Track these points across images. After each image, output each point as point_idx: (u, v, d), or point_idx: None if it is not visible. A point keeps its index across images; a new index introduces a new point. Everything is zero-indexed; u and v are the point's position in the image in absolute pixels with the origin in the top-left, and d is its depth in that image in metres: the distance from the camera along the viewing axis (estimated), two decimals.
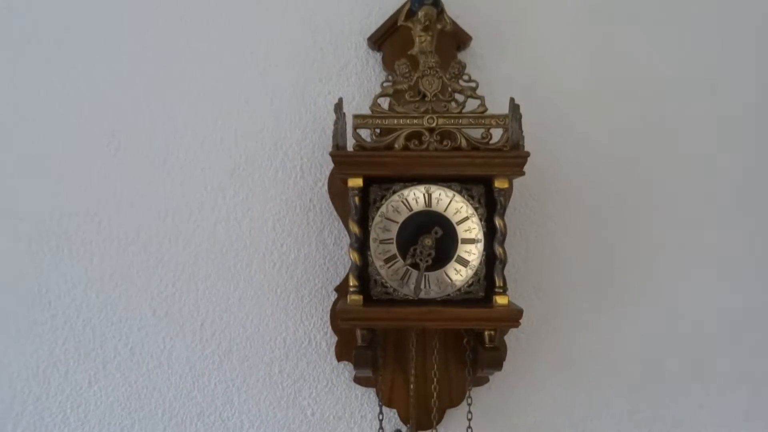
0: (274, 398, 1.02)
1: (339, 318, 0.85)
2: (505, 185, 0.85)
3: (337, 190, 0.97)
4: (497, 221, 0.85)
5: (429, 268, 0.86)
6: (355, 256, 0.85)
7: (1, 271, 1.00)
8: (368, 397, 1.03)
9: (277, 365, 1.02)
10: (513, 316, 0.84)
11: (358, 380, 1.00)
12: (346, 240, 1.01)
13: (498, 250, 0.85)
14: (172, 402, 1.01)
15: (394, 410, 1.00)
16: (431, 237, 0.85)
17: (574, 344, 1.03)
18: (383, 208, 0.87)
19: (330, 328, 1.01)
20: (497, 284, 0.85)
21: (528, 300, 1.02)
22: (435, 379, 0.94)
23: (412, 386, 0.95)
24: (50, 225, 1.01)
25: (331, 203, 1.00)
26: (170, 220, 1.02)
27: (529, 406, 1.04)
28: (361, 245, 0.86)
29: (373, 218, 0.87)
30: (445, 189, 0.87)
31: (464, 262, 0.87)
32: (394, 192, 0.87)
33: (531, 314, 1.02)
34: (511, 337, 1.01)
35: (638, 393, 1.04)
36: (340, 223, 1.01)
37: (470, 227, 0.87)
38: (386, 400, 0.99)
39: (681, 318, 1.05)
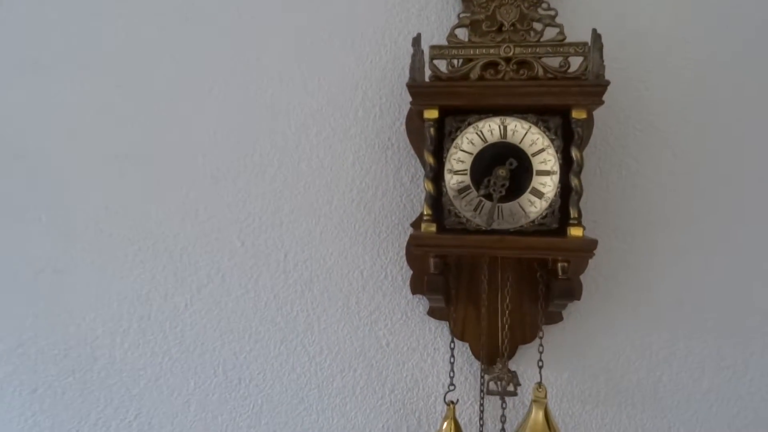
0: (351, 328, 1.04)
1: (412, 244, 0.85)
2: (583, 116, 0.81)
3: (414, 128, 0.97)
4: (574, 152, 0.81)
5: (502, 200, 0.84)
6: (429, 185, 0.84)
7: (112, 202, 1.07)
8: (441, 330, 1.03)
9: (355, 297, 1.03)
10: (587, 246, 0.81)
11: (431, 313, 1.00)
12: (423, 177, 1.00)
13: (574, 181, 0.82)
14: (257, 327, 1.06)
15: (466, 344, 0.99)
16: (505, 168, 0.83)
17: (652, 288, 0.98)
18: (458, 140, 0.85)
19: (405, 262, 1.01)
20: (572, 215, 0.82)
21: (606, 240, 0.98)
22: (507, 312, 0.92)
23: (483, 320, 0.93)
24: (152, 161, 1.06)
25: (408, 141, 1.00)
26: (257, 158, 1.05)
27: (602, 348, 1.00)
28: (435, 175, 0.85)
29: (447, 150, 0.86)
30: (521, 120, 0.84)
31: (539, 194, 0.84)
32: (469, 124, 0.85)
33: (609, 255, 0.98)
34: (588, 278, 0.98)
35: (721, 341, 0.98)
36: (417, 161, 1.00)
37: (546, 159, 0.84)
38: (458, 333, 0.98)
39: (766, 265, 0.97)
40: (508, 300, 0.92)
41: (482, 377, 0.97)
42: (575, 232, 0.81)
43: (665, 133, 0.98)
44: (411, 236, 0.85)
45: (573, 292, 0.84)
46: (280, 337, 1.05)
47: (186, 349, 1.07)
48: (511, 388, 0.91)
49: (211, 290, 1.06)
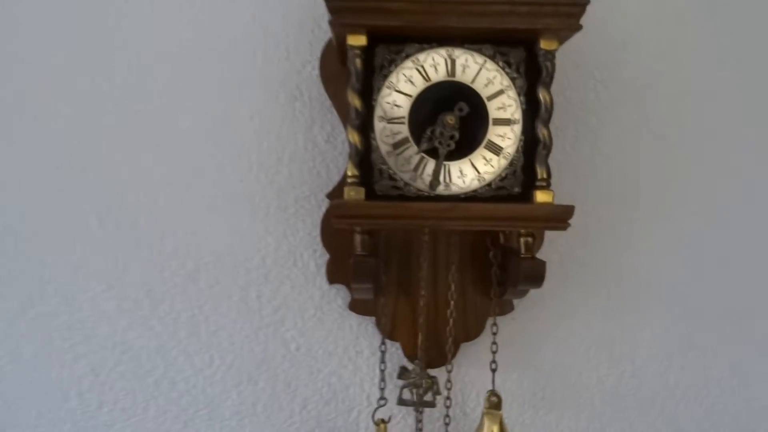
0: (250, 329, 0.80)
1: (333, 215, 0.62)
2: (554, 46, 0.62)
3: (331, 73, 0.75)
4: (542, 94, 0.63)
5: (450, 156, 0.64)
6: (354, 137, 0.62)
7: None
8: (366, 328, 0.81)
9: (255, 289, 0.80)
10: (560, 215, 0.63)
11: (354, 307, 0.78)
12: (342, 137, 0.78)
13: (542, 132, 0.63)
14: (124, 333, 0.79)
15: (397, 344, 0.79)
16: (454, 115, 0.63)
17: (618, 266, 0.82)
18: (392, 77, 0.64)
19: (321, 243, 0.78)
20: (539, 176, 0.63)
21: None
22: (452, 303, 0.72)
23: (422, 314, 0.73)
24: None
25: (323, 90, 0.77)
26: (120, 110, 0.79)
27: (558, 342, 0.83)
28: (363, 124, 0.63)
29: (379, 90, 0.64)
30: (474, 53, 0.64)
31: (496, 149, 0.65)
32: (407, 56, 0.64)
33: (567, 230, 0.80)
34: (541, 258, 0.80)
35: (692, 332, 0.83)
36: (335, 115, 0.78)
37: (505, 104, 0.64)
38: (388, 330, 0.77)
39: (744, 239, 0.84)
40: (453, 287, 0.72)
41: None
42: (544, 197, 0.63)
43: (633, 84, 0.82)
44: (331, 205, 0.62)
45: (539, 274, 0.65)
46: (156, 345, 0.79)
47: (24, 366, 0.78)
48: (429, 397, 0.72)
49: (58, 287, 0.78)
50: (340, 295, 0.80)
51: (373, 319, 0.78)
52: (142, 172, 0.79)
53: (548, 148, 0.63)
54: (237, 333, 0.80)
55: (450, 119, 0.62)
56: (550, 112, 0.63)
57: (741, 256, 0.84)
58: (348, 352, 0.82)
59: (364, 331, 0.81)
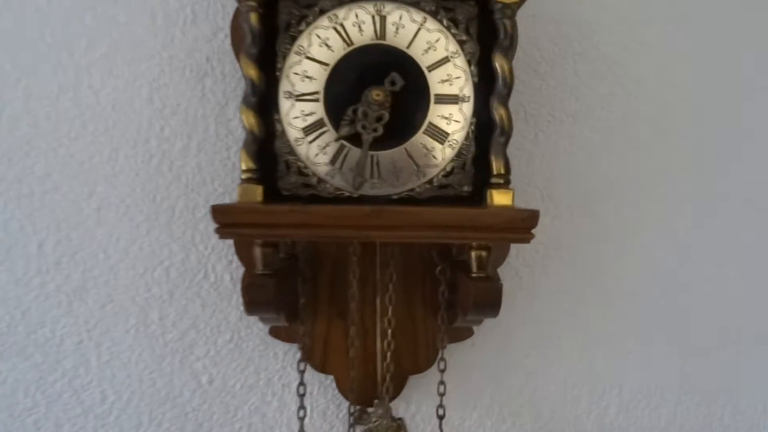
0: (151, 359, 0.65)
1: (217, 222, 0.46)
2: None
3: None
4: (499, 63, 0.47)
5: (379, 145, 0.48)
6: (250, 118, 0.46)
7: None
8: (294, 356, 0.66)
9: (157, 310, 0.64)
10: (521, 222, 0.47)
11: (276, 333, 0.62)
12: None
13: (499, 112, 0.47)
14: None
15: (331, 377, 0.63)
16: (383, 90, 0.47)
17: (603, 280, 0.67)
18: (302, 40, 0.48)
19: (236, 253, 0.63)
20: (495, 170, 0.48)
21: None
22: (390, 330, 0.56)
23: (355, 341, 0.57)
24: None
25: (237, 62, 0.61)
26: None
27: (527, 373, 0.68)
28: (263, 101, 0.47)
29: (284, 56, 0.48)
30: (410, 9, 0.48)
31: (440, 135, 0.49)
32: (322, 12, 0.48)
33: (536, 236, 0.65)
34: (506, 271, 0.65)
35: (687, 358, 0.68)
36: None
37: (451, 75, 0.49)
38: (318, 361, 0.62)
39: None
40: (390, 311, 0.56)
41: (352, 427, 0.62)
42: (501, 198, 0.47)
43: (612, 58, 0.67)
44: (213, 209, 0.46)
45: (493, 300, 0.49)
46: (34, 377, 0.64)
47: None
48: None
49: None
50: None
51: (299, 347, 0.63)
52: (14, 163, 0.63)
53: (507, 134, 0.48)
54: (135, 363, 0.65)
55: (377, 95, 0.47)
56: (509, 86, 0.47)
57: (739, 268, 0.70)
58: (272, 385, 0.66)
59: (291, 360, 0.66)
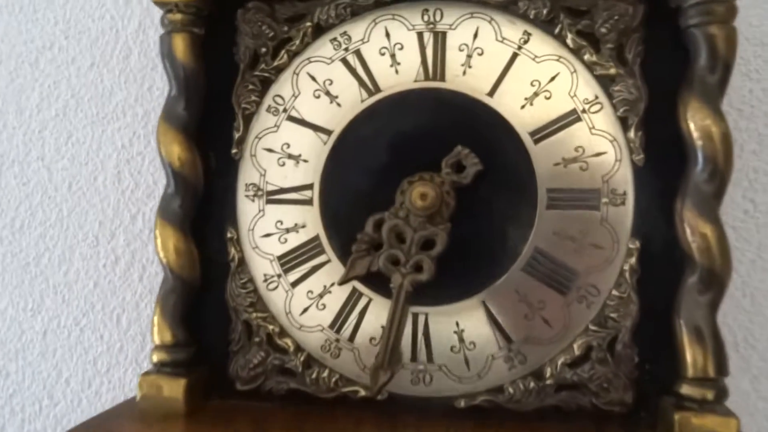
0: None
1: None
2: None
3: None
4: (696, 121, 0.20)
5: (429, 296, 0.22)
6: (172, 243, 0.22)
7: None
8: None
9: None
10: None
11: None
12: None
13: (699, 230, 0.20)
14: None
15: None
16: (438, 184, 0.21)
17: None
18: (281, 86, 0.24)
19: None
20: (689, 362, 0.20)
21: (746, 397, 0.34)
22: None
23: None
24: None
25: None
26: None
27: None
28: (201, 208, 0.23)
29: (249, 118, 0.24)
30: (496, 15, 0.23)
31: (561, 278, 0.22)
32: (320, 29, 0.24)
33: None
34: None
35: None
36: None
37: (585, 149, 0.22)
38: None
39: None
40: None
41: None
42: (703, 422, 0.19)
43: None
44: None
45: None
46: None
47: None
48: None
49: None
50: None
51: None
52: None
53: (719, 280, 0.20)
54: None
55: (424, 195, 0.21)
56: (723, 175, 0.20)
57: None
58: None
59: None
